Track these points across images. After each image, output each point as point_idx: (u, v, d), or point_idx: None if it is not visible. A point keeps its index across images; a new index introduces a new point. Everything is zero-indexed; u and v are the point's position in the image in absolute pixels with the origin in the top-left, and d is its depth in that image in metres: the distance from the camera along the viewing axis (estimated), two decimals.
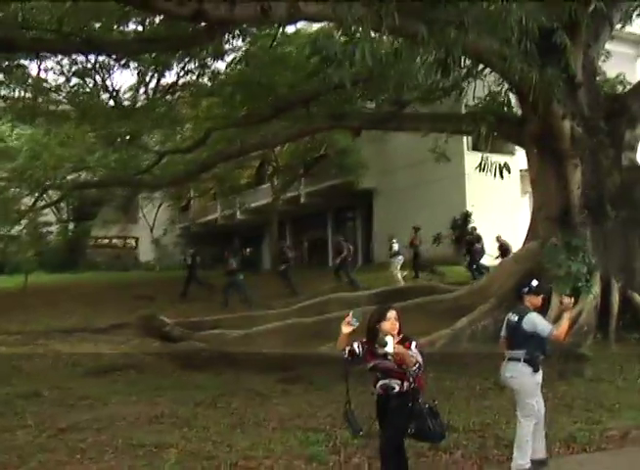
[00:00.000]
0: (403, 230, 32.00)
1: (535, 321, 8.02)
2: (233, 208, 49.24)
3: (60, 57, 24.91)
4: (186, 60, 30.49)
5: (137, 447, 8.94)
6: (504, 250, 26.42)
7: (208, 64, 30.41)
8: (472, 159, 28.45)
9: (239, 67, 22.91)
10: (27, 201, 30.83)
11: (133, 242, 55.95)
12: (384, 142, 33.02)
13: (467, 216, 31.44)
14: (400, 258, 27.62)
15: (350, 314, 6.72)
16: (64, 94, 30.73)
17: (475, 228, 28.73)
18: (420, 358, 6.70)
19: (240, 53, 23.30)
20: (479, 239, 27.71)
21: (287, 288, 27.72)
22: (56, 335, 19.88)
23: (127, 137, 26.95)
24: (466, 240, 27.97)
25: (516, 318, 8.18)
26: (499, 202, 31.78)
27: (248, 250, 50.44)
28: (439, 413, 6.95)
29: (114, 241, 55.45)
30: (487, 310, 16.03)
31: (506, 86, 17.55)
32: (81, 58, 26.08)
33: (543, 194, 17.91)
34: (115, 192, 35.12)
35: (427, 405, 6.84)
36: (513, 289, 11.72)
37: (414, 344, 6.78)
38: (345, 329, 6.70)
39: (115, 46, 17.86)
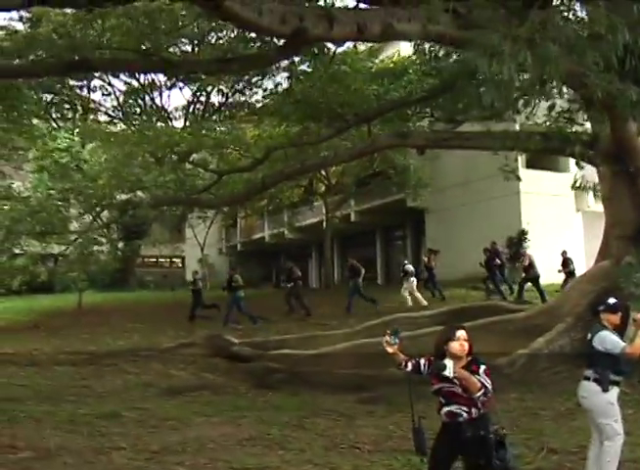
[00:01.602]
0: (456, 249, 31.89)
1: (606, 339, 7.83)
2: (281, 226, 49.30)
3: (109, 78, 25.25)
4: (234, 80, 30.72)
5: None
6: (566, 265, 26.14)
7: (258, 83, 30.64)
8: (527, 176, 28.29)
9: (299, 85, 22.91)
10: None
11: (179, 261, 56.16)
12: (435, 160, 32.91)
13: (523, 234, 31.16)
14: (413, 279, 27.55)
15: (387, 333, 6.55)
16: (119, 114, 31.05)
17: (495, 243, 28.34)
18: (488, 383, 6.30)
19: (298, 71, 23.36)
20: (497, 253, 27.48)
21: (301, 308, 27.66)
22: (122, 355, 19.84)
23: (184, 156, 27.09)
24: (486, 256, 27.56)
25: (589, 336, 8.06)
26: (553, 219, 31.57)
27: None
28: (509, 444, 6.34)
29: (161, 260, 55.75)
30: (564, 330, 15.75)
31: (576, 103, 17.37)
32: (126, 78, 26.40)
33: (616, 212, 17.62)
34: (168, 211, 35.26)
35: (494, 434, 6.29)
36: (588, 308, 11.56)
37: (482, 367, 6.37)
38: (388, 349, 6.52)
39: (194, 65, 17.82)
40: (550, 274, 26.10)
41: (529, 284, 25.82)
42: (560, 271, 26.08)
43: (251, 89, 32.57)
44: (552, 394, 13.70)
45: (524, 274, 26.19)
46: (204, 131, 26.30)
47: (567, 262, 26.19)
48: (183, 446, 10.27)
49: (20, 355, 20.26)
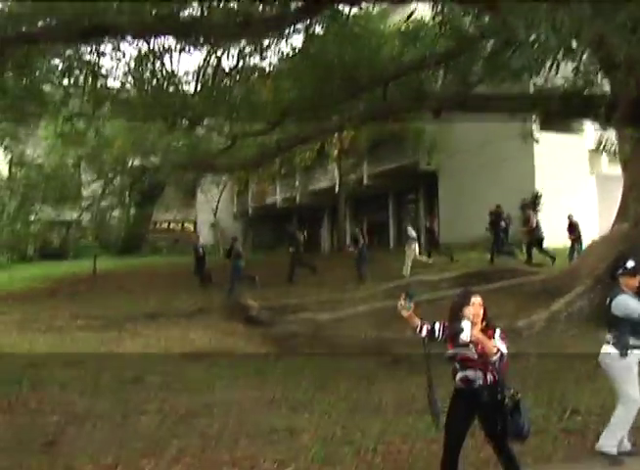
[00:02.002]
0: (469, 212, 31.83)
1: (624, 303, 7.85)
2: (293, 190, 49.22)
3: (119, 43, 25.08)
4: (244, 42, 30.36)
5: (269, 433, 8.95)
6: (572, 229, 26.06)
7: (270, 46, 30.33)
8: (541, 139, 28.17)
9: (314, 47, 22.68)
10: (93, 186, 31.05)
11: (191, 226, 56.17)
12: (448, 123, 32.72)
13: (537, 197, 31.06)
14: (415, 244, 27.49)
15: (402, 296, 6.50)
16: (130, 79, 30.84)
17: (499, 206, 28.27)
18: (504, 348, 6.31)
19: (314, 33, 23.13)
20: (501, 216, 27.47)
21: (305, 267, 27.89)
22: (140, 319, 19.94)
23: (196, 120, 26.96)
24: (491, 219, 27.54)
25: (607, 301, 8.06)
26: (568, 182, 31.46)
27: (304, 232, 50.59)
28: (524, 408, 6.33)
29: (172, 225, 55.81)
30: (582, 292, 15.82)
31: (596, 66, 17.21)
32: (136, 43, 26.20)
33: (635, 175, 17.57)
34: (181, 177, 35.20)
35: (509, 399, 6.28)
36: (606, 271, 11.55)
37: (498, 331, 6.39)
38: (403, 313, 6.47)
39: (218, 29, 17.61)
40: (564, 237, 26.13)
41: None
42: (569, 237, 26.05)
43: (262, 53, 32.27)
44: (572, 356, 13.76)
45: (529, 237, 26.21)
46: (215, 95, 26.10)
47: (573, 227, 26.10)
48: (210, 409, 10.35)
49: (39, 322, 20.36)
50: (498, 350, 6.23)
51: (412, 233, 27.74)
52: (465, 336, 6.17)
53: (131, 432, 9.13)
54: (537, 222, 25.93)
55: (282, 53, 25.87)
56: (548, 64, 12.89)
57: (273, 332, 17.09)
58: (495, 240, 27.05)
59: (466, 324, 6.22)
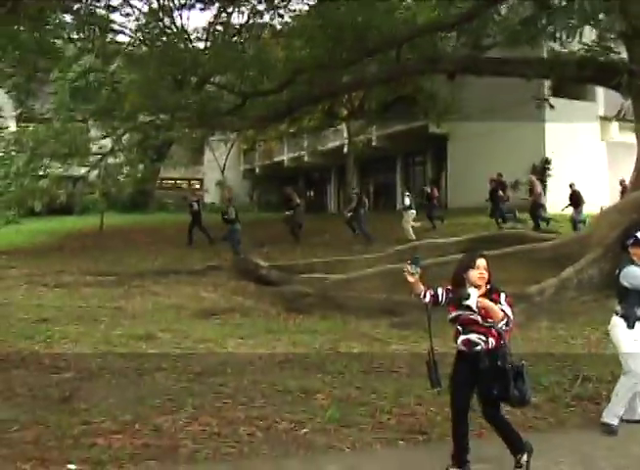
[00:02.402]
0: (478, 175, 31.76)
1: (632, 274, 7.78)
2: (301, 150, 49.10)
3: None
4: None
5: (284, 393, 8.98)
6: (575, 199, 26.03)
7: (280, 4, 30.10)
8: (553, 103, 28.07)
9: (326, 7, 22.53)
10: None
11: (198, 183, 56.10)
12: (459, 86, 32.54)
13: (547, 163, 31.01)
14: (413, 211, 27.62)
15: (408, 262, 6.33)
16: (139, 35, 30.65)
17: (500, 175, 28.27)
18: (509, 312, 6.20)
19: None
20: (503, 185, 27.43)
21: (292, 234, 28.09)
22: (150, 276, 19.98)
23: (206, 78, 26.82)
24: (492, 187, 27.49)
25: (617, 271, 8.02)
26: (578, 149, 31.38)
27: (311, 193, 50.59)
28: (527, 375, 6.25)
29: (179, 182, 55.72)
30: (593, 260, 15.78)
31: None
32: None
33: None
34: (190, 134, 35.03)
35: (512, 365, 6.18)
36: (617, 240, 11.52)
37: (503, 296, 6.27)
38: (409, 278, 6.25)
39: None
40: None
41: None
42: (567, 206, 26.05)
43: (273, 10, 32.08)
44: (582, 323, 13.86)
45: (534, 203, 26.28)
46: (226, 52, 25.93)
47: (575, 195, 26.04)
48: (223, 368, 10.38)
49: (48, 277, 20.39)
50: (505, 315, 6.15)
51: (407, 200, 27.85)
52: (471, 302, 6.10)
53: (146, 389, 9.16)
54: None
55: (294, 11, 25.66)
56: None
57: (283, 292, 17.11)
58: (494, 208, 27.01)
59: (472, 291, 6.14)
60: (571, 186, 26.40)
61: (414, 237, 25.74)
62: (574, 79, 19.65)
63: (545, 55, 23.91)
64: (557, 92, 31.26)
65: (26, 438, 7.15)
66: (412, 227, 26.90)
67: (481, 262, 6.32)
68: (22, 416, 7.83)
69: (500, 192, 27.13)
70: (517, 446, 6.38)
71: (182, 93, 26.98)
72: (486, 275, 6.31)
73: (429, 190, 30.18)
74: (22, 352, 11.33)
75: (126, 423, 7.66)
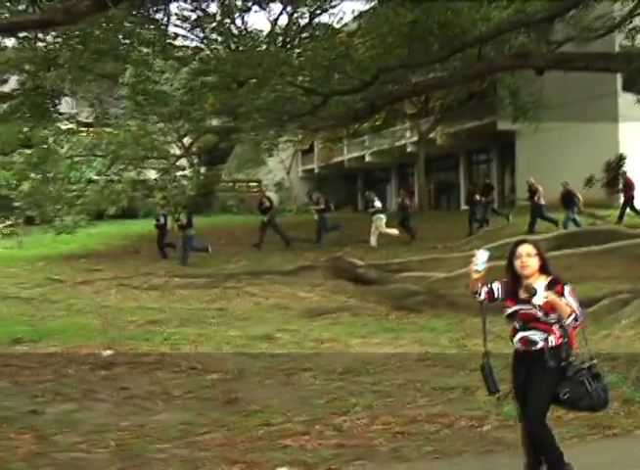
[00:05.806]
0: (548, 173, 31.35)
1: None
2: (362, 150, 48.97)
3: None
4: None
5: (444, 391, 8.92)
6: (568, 198, 25.79)
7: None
8: (625, 99, 27.72)
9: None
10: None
11: (255, 185, 56.13)
12: (527, 82, 32.15)
13: (621, 159, 30.59)
14: (383, 216, 27.19)
15: (475, 257, 5.67)
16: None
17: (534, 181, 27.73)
18: (576, 306, 5.46)
19: None
20: (536, 191, 26.71)
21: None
22: (242, 278, 19.96)
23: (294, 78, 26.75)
24: (530, 193, 26.85)
25: None
26: None
27: (367, 192, 50.35)
28: (602, 375, 5.60)
29: (238, 185, 55.74)
30: None
31: None
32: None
33: None
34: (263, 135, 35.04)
35: (584, 365, 5.49)
36: None
37: (567, 289, 5.55)
38: (473, 274, 5.65)
39: None
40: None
41: None
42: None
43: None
44: None
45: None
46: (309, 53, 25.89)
47: (568, 194, 25.87)
48: (364, 367, 10.32)
49: (135, 279, 20.46)
50: (573, 311, 5.42)
51: (378, 204, 27.80)
52: (538, 299, 5.45)
53: (303, 389, 9.14)
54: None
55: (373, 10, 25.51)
56: None
57: (390, 290, 17.02)
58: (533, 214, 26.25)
59: (539, 286, 5.51)
60: (563, 185, 26.07)
61: (376, 245, 25.62)
62: None
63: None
64: (628, 87, 30.84)
65: (217, 440, 7.11)
66: (380, 234, 26.43)
67: (523, 249, 5.66)
68: (198, 419, 7.80)
69: (536, 197, 26.32)
70: (558, 466, 5.61)
71: (260, 94, 27.01)
72: (535, 261, 5.67)
73: (400, 199, 29.86)
74: (151, 354, 11.34)
75: (305, 423, 7.61)
